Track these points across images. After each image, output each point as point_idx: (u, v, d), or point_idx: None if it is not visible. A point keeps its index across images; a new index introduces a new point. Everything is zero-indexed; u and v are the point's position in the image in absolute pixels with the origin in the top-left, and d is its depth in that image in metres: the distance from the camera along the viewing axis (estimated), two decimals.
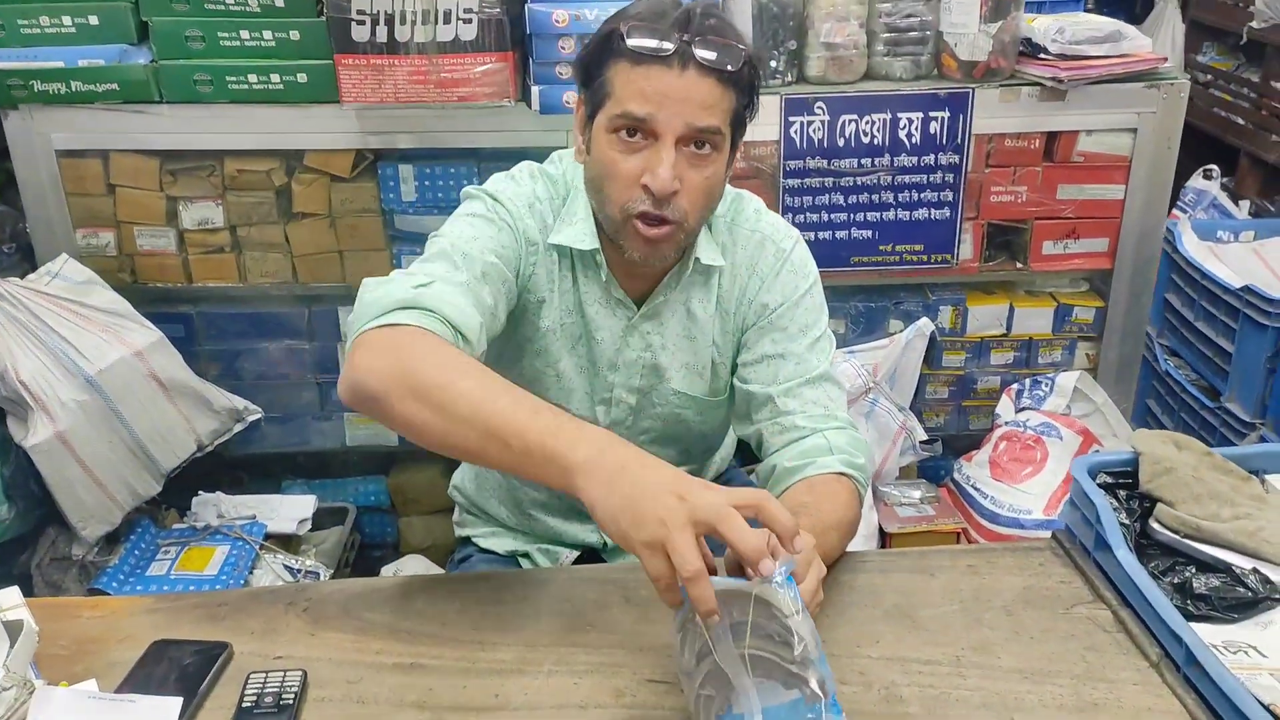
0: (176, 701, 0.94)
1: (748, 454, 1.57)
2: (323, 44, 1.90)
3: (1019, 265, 2.21)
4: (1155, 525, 1.13)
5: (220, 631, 1.07)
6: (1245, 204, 3.34)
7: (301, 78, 1.94)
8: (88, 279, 1.97)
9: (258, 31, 1.93)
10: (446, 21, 1.84)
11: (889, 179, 2.08)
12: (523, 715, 0.96)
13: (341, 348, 2.14)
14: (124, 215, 2.08)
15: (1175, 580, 1.08)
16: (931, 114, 2.03)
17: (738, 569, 0.91)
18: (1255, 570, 1.06)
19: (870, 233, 2.12)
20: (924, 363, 2.23)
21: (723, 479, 1.61)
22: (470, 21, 1.84)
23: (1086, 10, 2.37)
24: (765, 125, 2.01)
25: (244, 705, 0.95)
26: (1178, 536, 1.11)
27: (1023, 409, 2.21)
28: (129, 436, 1.90)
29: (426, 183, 2.06)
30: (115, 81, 1.94)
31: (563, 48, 1.87)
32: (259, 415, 2.14)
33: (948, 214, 2.10)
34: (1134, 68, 2.04)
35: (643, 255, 1.18)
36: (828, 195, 2.08)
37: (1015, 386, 2.25)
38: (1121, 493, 1.18)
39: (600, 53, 1.15)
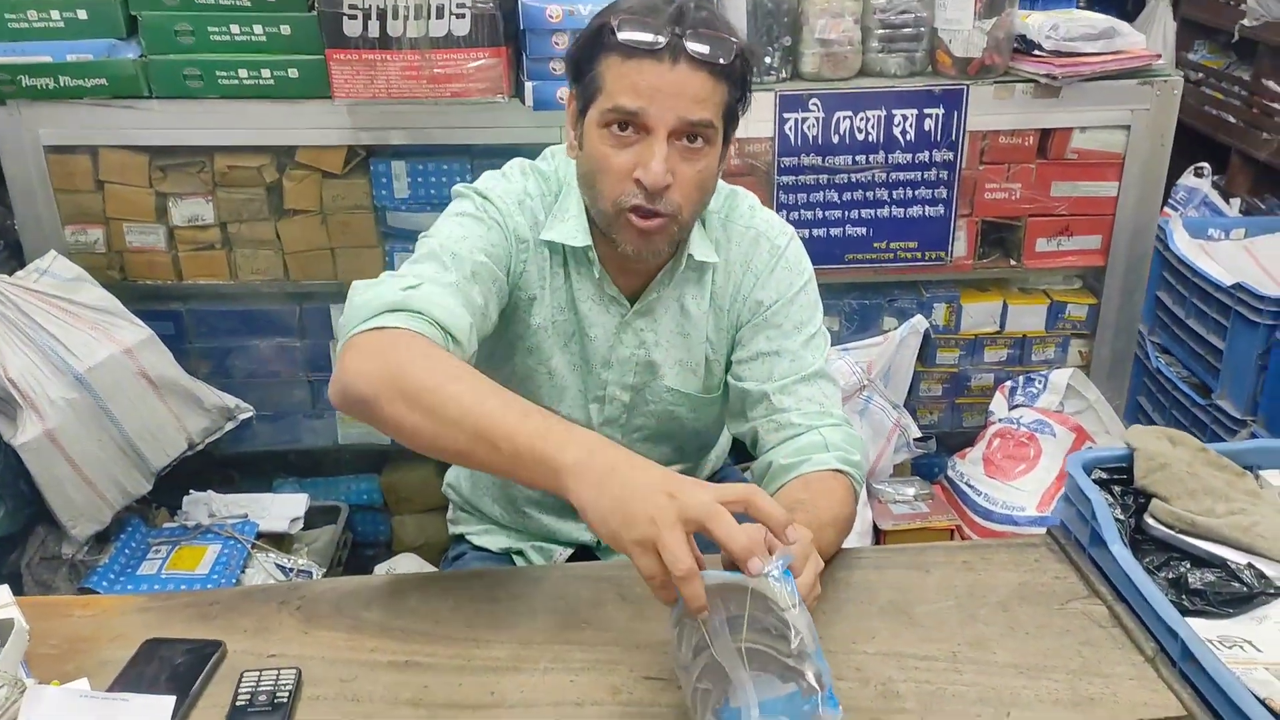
0: (169, 700, 0.93)
1: (742, 452, 1.57)
2: (314, 39, 1.89)
3: (1012, 262, 2.22)
4: (1150, 521, 1.13)
5: (213, 630, 1.06)
6: (1236, 202, 3.36)
7: (293, 73, 1.93)
8: (77, 276, 1.95)
9: (248, 26, 1.91)
10: (439, 16, 1.83)
11: (883, 176, 2.08)
12: (519, 713, 0.96)
13: (333, 345, 2.13)
14: (113, 212, 2.06)
15: (1170, 575, 1.08)
16: (926, 111, 2.03)
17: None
18: (1250, 565, 1.06)
19: (864, 230, 2.12)
20: (918, 360, 2.23)
21: (717, 477, 1.61)
22: (463, 16, 1.83)
23: (1080, 7, 2.37)
24: (760, 122, 2.01)
25: (238, 704, 0.95)
26: (1173, 532, 1.11)
27: (1016, 406, 2.21)
28: (119, 435, 1.88)
29: (419, 179, 2.05)
30: (104, 76, 1.92)
31: (556, 43, 1.87)
32: (250, 413, 2.12)
33: (942, 211, 2.10)
34: (1128, 64, 2.05)
35: (636, 249, 1.18)
36: (822, 192, 2.08)
37: (1009, 384, 2.26)
38: (1116, 488, 1.18)
39: (591, 47, 1.15)
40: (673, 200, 1.14)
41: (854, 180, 2.08)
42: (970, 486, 2.12)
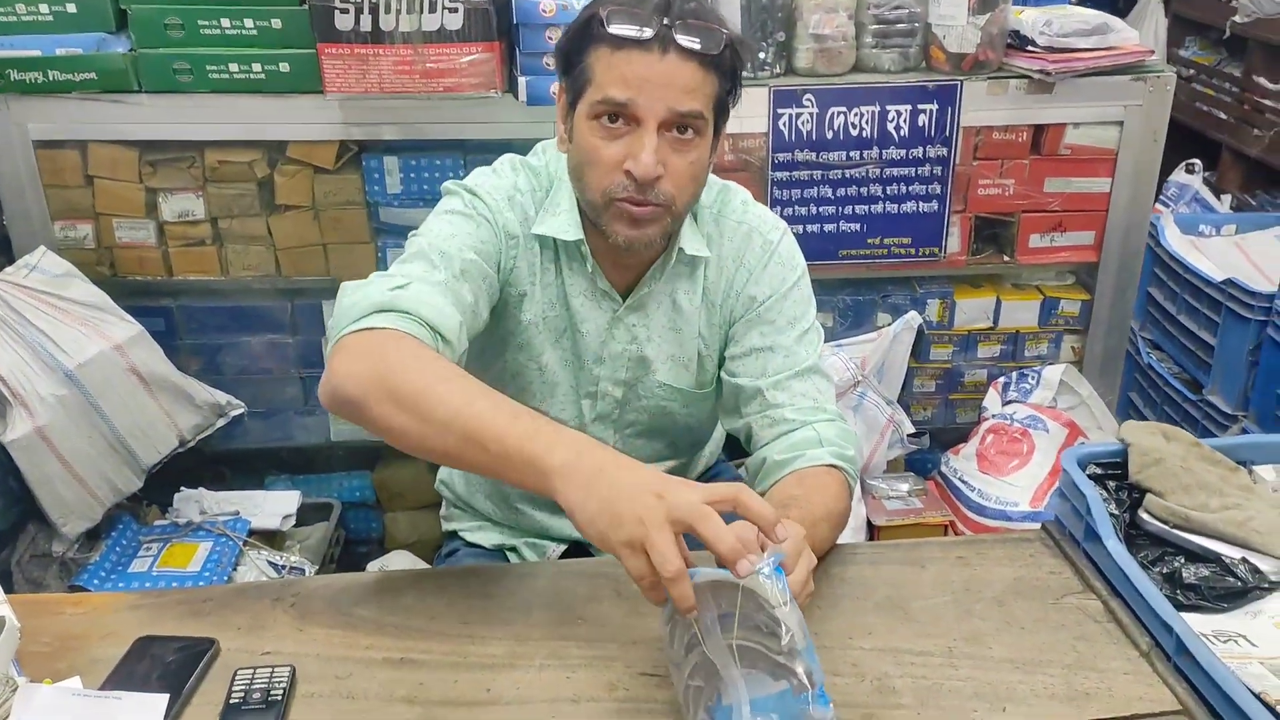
0: (163, 698, 0.92)
1: (735, 448, 1.57)
2: (305, 32, 1.87)
3: (1006, 258, 2.22)
4: (1144, 516, 1.14)
5: (206, 628, 1.06)
6: (1227, 198, 3.36)
7: (284, 67, 1.91)
8: (66, 272, 1.94)
9: (239, 19, 1.90)
10: (432, 10, 1.82)
11: (877, 172, 2.08)
12: (514, 709, 0.96)
13: (325, 342, 2.12)
14: (102, 207, 2.05)
15: (1165, 570, 1.09)
16: (920, 106, 2.03)
17: None
18: (1244, 560, 1.07)
19: (858, 226, 2.11)
20: (911, 356, 2.23)
21: (711, 472, 1.61)
22: (456, 11, 1.82)
23: (1073, 3, 2.37)
24: (753, 117, 2.00)
25: (231, 701, 0.94)
26: (1167, 527, 1.12)
27: (1009, 402, 2.22)
28: (109, 431, 1.87)
29: (411, 175, 2.04)
30: (93, 70, 1.91)
31: (550, 38, 1.86)
32: (241, 410, 2.12)
33: (935, 207, 2.11)
34: (1121, 60, 2.05)
35: (627, 239, 1.17)
36: (816, 188, 2.08)
37: (1002, 379, 2.26)
38: (1111, 484, 1.18)
39: (580, 39, 1.14)
40: (665, 190, 1.14)
41: (848, 176, 2.08)
42: (964, 482, 2.13)
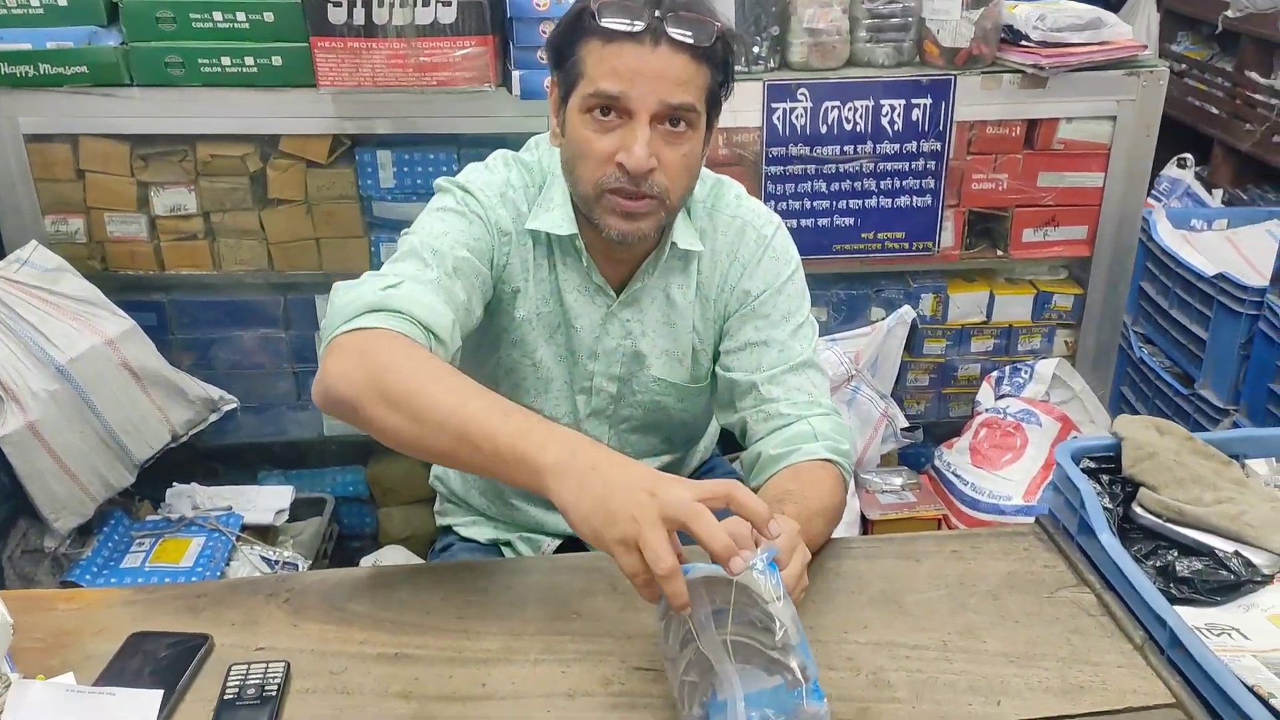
0: (156, 694, 0.92)
1: (730, 443, 1.57)
2: (298, 26, 1.86)
3: (999, 253, 2.22)
4: (1138, 509, 1.14)
5: (199, 623, 1.05)
6: (1219, 193, 3.37)
7: (276, 60, 1.91)
8: (57, 266, 1.93)
9: (231, 13, 1.89)
10: (425, 4, 1.81)
11: (871, 166, 2.07)
12: (510, 704, 0.96)
13: (318, 337, 2.11)
14: (94, 201, 2.04)
15: (1158, 564, 1.09)
16: (914, 101, 2.03)
17: None
18: (1237, 553, 1.07)
19: (852, 220, 2.11)
20: (905, 350, 2.23)
21: (706, 467, 1.61)
22: (450, 4, 1.82)
23: None
24: (747, 112, 2.00)
25: (225, 697, 0.94)
26: (1160, 520, 1.12)
27: (1002, 396, 2.22)
28: (101, 427, 1.87)
29: (405, 169, 2.03)
30: (84, 64, 1.90)
31: (544, 32, 1.85)
32: (234, 405, 2.11)
33: (929, 201, 2.11)
34: (1114, 55, 2.05)
35: (620, 232, 1.17)
36: (810, 183, 2.08)
37: (995, 374, 2.27)
38: (1104, 477, 1.18)
39: (571, 32, 1.14)
40: (658, 182, 1.14)
41: (842, 170, 2.07)
42: (957, 476, 2.13)
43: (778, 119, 2.02)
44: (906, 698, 0.96)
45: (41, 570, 1.89)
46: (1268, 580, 1.05)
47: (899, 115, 2.03)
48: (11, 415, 1.74)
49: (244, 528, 2.00)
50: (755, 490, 1.19)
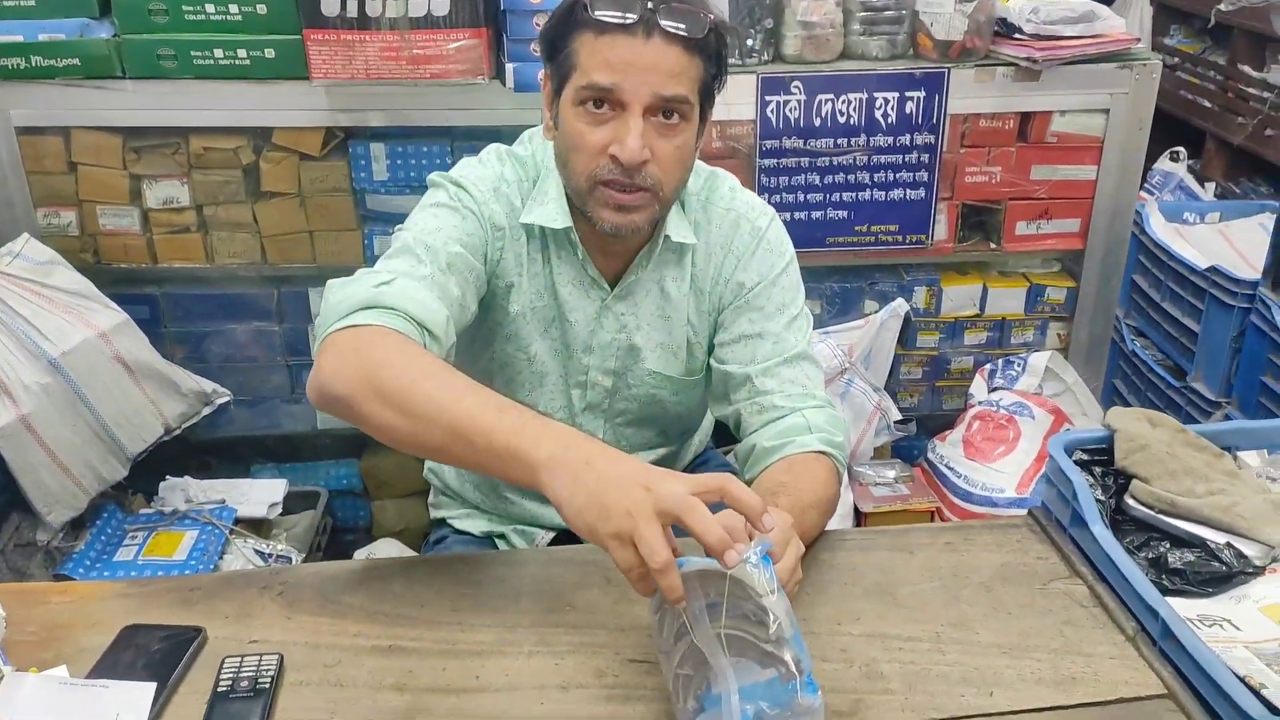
0: (150, 687, 0.92)
1: (724, 435, 1.57)
2: (291, 18, 1.86)
3: (992, 246, 2.22)
4: (1130, 501, 1.14)
5: (193, 616, 1.05)
6: (1211, 186, 3.38)
7: (269, 53, 1.90)
8: (50, 259, 1.93)
9: (223, 5, 1.88)
10: None
11: (865, 159, 2.08)
12: (504, 696, 0.96)
13: (311, 330, 2.11)
14: (86, 194, 2.03)
15: (1150, 555, 1.09)
16: (907, 94, 2.03)
17: None
18: (1229, 545, 1.07)
19: (846, 213, 2.12)
20: (898, 343, 2.24)
21: (700, 460, 1.61)
22: None
23: None
24: (741, 104, 2.00)
25: (219, 690, 0.94)
26: (1153, 512, 1.12)
27: (995, 389, 2.23)
28: (94, 420, 1.86)
29: (398, 162, 2.03)
30: (76, 56, 1.89)
31: (537, 24, 1.84)
32: (228, 398, 2.11)
33: (923, 194, 2.11)
34: (1107, 48, 2.05)
35: (614, 225, 1.17)
36: (804, 175, 2.08)
37: (988, 366, 2.27)
38: (1097, 469, 1.19)
39: (564, 25, 1.14)
40: (652, 174, 1.14)
41: (835, 163, 2.07)
42: (950, 469, 2.14)
43: (771, 112, 2.02)
44: (899, 689, 0.96)
45: (34, 564, 1.88)
46: (1259, 572, 1.06)
47: (893, 108, 2.03)
48: (4, 408, 1.74)
49: (237, 521, 1.99)
50: (749, 483, 1.20)
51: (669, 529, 0.87)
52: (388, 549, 2.21)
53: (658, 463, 1.43)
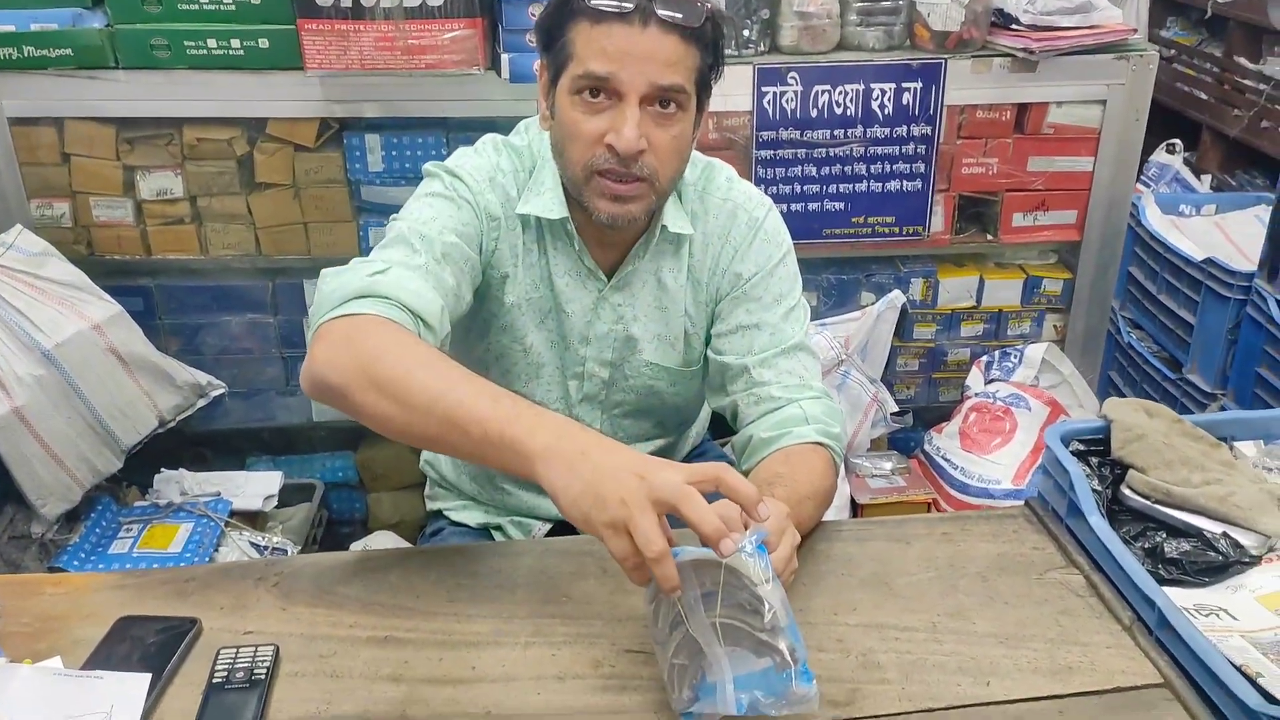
0: (145, 678, 0.92)
1: (721, 427, 1.57)
2: (285, 8, 1.85)
3: (989, 237, 2.22)
4: (1127, 491, 1.14)
5: (189, 607, 1.05)
6: (1207, 178, 3.39)
7: (263, 43, 1.89)
8: (43, 250, 1.91)
9: None
10: None
11: (861, 150, 2.07)
12: (500, 687, 0.95)
13: (306, 322, 2.10)
14: (79, 185, 2.02)
15: (1147, 545, 1.09)
16: (904, 85, 2.02)
17: None
18: (1225, 534, 1.08)
19: (842, 204, 2.11)
20: (895, 335, 2.24)
21: (697, 451, 1.61)
22: None
23: None
24: (738, 95, 1.99)
25: (214, 681, 0.94)
26: (1149, 502, 1.13)
27: (992, 380, 2.23)
28: (88, 412, 1.85)
29: (394, 153, 2.02)
30: (69, 46, 1.88)
31: (533, 14, 1.84)
32: (222, 390, 2.10)
33: (919, 186, 2.11)
34: (1104, 39, 2.05)
35: (610, 215, 1.16)
36: (800, 166, 2.07)
37: (985, 358, 2.27)
38: (1093, 460, 1.19)
39: (560, 14, 1.14)
40: (648, 164, 1.13)
41: (832, 155, 2.07)
42: (947, 460, 2.14)
43: (768, 103, 2.02)
44: (896, 679, 0.96)
45: (29, 556, 1.88)
46: (1255, 561, 1.06)
47: (889, 99, 2.03)
48: None
49: (233, 513, 1.99)
50: (746, 473, 1.20)
51: (664, 518, 0.87)
52: (383, 541, 2.21)
53: (655, 454, 1.42)
